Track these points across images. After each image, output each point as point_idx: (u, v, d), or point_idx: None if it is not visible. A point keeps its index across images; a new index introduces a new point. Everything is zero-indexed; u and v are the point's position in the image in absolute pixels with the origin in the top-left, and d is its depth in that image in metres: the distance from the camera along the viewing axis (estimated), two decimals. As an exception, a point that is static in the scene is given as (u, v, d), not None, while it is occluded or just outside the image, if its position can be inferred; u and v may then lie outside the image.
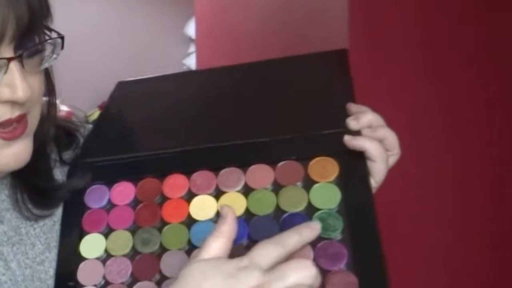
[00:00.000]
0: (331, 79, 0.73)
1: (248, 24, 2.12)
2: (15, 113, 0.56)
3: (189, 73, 0.98)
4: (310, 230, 0.51)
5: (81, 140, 0.73)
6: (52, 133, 0.67)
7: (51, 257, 0.64)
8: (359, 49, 1.42)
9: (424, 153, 1.45)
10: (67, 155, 0.70)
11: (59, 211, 0.67)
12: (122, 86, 0.83)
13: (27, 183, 0.64)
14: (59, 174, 0.69)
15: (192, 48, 3.61)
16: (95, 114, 3.48)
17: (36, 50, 0.58)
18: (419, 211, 1.48)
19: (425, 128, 1.48)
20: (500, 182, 1.55)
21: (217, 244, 0.49)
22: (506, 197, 1.55)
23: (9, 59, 0.53)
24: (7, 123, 0.56)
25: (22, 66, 0.55)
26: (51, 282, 0.63)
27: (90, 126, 0.78)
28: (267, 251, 0.48)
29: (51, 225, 0.66)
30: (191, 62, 3.58)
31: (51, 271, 0.64)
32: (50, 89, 0.65)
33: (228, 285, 0.46)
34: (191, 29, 3.47)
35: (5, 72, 0.53)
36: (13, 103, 0.55)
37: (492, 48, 1.53)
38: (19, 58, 0.54)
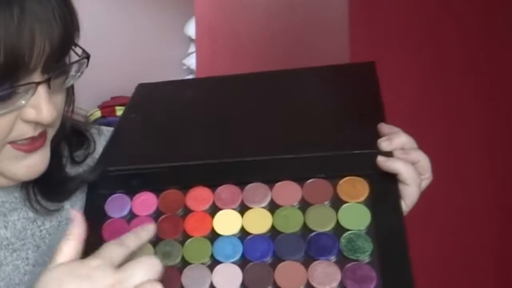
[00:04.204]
0: (360, 94, 0.71)
1: (248, 24, 2.12)
2: (38, 131, 0.57)
3: (210, 79, 0.96)
4: (146, 232, 0.56)
5: (94, 140, 0.72)
6: (67, 130, 0.68)
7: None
8: (359, 50, 1.43)
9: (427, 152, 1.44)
10: (78, 154, 0.70)
11: (65, 213, 0.67)
12: (142, 89, 0.82)
13: (39, 176, 0.63)
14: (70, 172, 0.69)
15: (192, 48, 3.60)
16: (95, 114, 3.46)
17: (64, 70, 0.58)
18: (422, 215, 1.47)
19: (427, 128, 1.48)
20: (503, 182, 1.55)
21: (69, 248, 0.52)
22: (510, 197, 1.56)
23: (38, 83, 0.53)
24: (29, 139, 0.57)
25: (49, 87, 0.55)
26: None
27: (107, 128, 0.77)
28: (114, 251, 0.51)
29: (56, 226, 0.66)
30: (191, 62, 3.58)
31: None
32: (69, 95, 0.64)
33: (84, 287, 0.48)
34: (191, 29, 3.47)
35: (33, 94, 0.54)
36: (36, 123, 0.56)
37: (493, 47, 1.53)
38: (47, 81, 0.54)
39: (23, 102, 0.54)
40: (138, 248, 0.54)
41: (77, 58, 0.59)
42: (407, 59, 1.48)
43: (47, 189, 0.65)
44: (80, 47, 0.59)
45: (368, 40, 1.45)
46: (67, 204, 0.67)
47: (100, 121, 3.33)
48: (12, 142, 0.56)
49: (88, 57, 0.59)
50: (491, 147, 1.56)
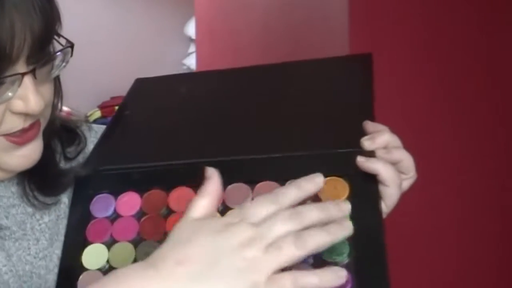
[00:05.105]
0: (350, 89, 0.70)
1: (248, 24, 2.12)
2: (28, 122, 0.57)
3: (206, 73, 0.96)
4: (312, 184, 0.50)
5: (85, 136, 0.73)
6: (58, 125, 0.68)
7: (52, 251, 0.65)
8: (359, 50, 1.42)
9: (426, 154, 1.44)
10: (70, 151, 0.71)
11: (63, 206, 0.68)
12: (139, 84, 0.82)
13: (34, 171, 0.64)
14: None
15: (192, 48, 3.61)
16: (95, 114, 3.47)
17: (48, 60, 0.58)
18: (422, 215, 1.47)
19: (426, 126, 1.48)
20: (504, 182, 1.55)
21: (205, 202, 0.50)
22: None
23: (24, 74, 0.54)
24: (20, 131, 0.57)
25: (35, 77, 0.55)
26: (50, 276, 0.64)
27: (97, 125, 0.77)
28: (260, 210, 0.48)
29: (55, 220, 0.67)
30: (191, 62, 3.58)
31: (51, 265, 0.64)
32: (56, 87, 0.65)
33: (216, 240, 0.46)
34: (191, 29, 3.47)
35: (19, 85, 0.54)
36: (26, 114, 0.56)
37: (494, 45, 1.53)
38: (33, 71, 0.55)
39: (10, 94, 0.54)
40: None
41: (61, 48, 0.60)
42: (407, 58, 1.48)
43: (42, 183, 0.66)
44: (64, 37, 0.59)
45: (368, 40, 1.45)
46: (64, 198, 0.68)
47: (100, 121, 3.34)
48: (4, 135, 0.57)
49: (72, 46, 0.60)
50: (490, 144, 1.55)
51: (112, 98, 3.60)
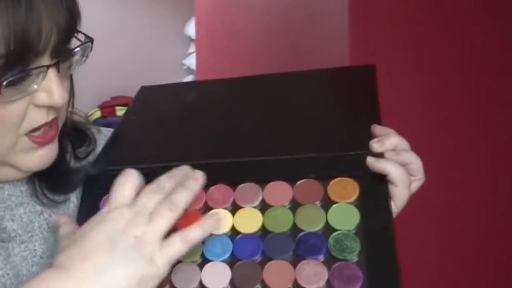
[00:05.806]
0: (357, 97, 0.72)
1: (248, 24, 2.13)
2: (51, 116, 0.59)
3: (211, 82, 0.97)
4: (133, 175, 0.56)
5: (95, 138, 0.74)
6: (69, 125, 0.69)
7: None
8: (359, 51, 1.43)
9: (427, 153, 1.45)
10: (80, 151, 0.72)
11: (71, 205, 0.68)
12: (144, 91, 0.83)
13: (44, 169, 0.65)
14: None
15: (192, 48, 3.61)
16: (95, 114, 3.46)
17: (70, 55, 0.60)
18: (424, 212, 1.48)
19: (426, 130, 1.49)
20: (504, 181, 1.56)
21: (68, 224, 0.58)
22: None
23: (48, 66, 0.55)
24: (41, 126, 0.59)
25: (58, 71, 0.57)
26: None
27: (106, 128, 0.78)
28: (122, 192, 0.55)
29: None
30: (191, 62, 3.58)
31: None
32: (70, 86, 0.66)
33: (106, 229, 0.52)
34: (191, 29, 3.47)
35: (44, 78, 0.55)
36: (49, 107, 0.57)
37: (494, 50, 1.54)
38: (56, 64, 0.56)
39: (35, 86, 0.56)
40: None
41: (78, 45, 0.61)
42: (407, 61, 1.48)
43: (52, 181, 0.66)
44: (83, 33, 0.60)
45: (368, 41, 1.46)
46: (73, 197, 0.69)
47: (100, 121, 3.33)
48: (28, 132, 0.58)
49: (91, 40, 0.61)
50: (492, 148, 1.56)
51: (112, 98, 3.60)
